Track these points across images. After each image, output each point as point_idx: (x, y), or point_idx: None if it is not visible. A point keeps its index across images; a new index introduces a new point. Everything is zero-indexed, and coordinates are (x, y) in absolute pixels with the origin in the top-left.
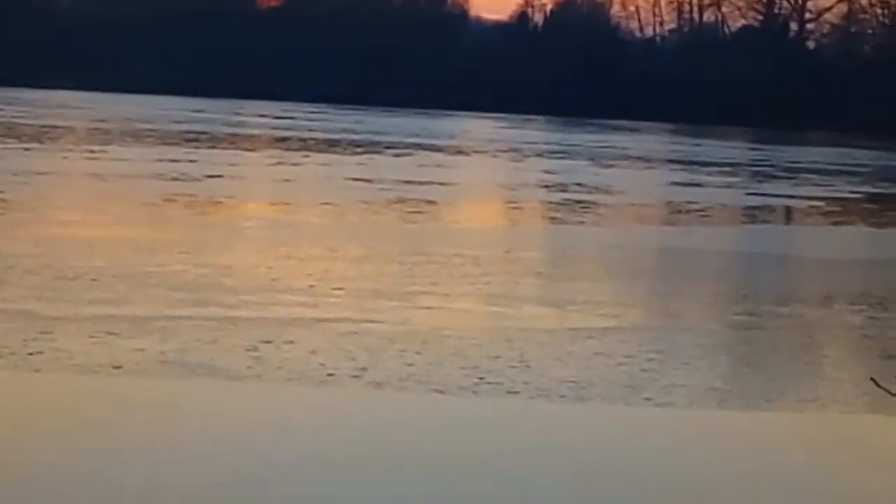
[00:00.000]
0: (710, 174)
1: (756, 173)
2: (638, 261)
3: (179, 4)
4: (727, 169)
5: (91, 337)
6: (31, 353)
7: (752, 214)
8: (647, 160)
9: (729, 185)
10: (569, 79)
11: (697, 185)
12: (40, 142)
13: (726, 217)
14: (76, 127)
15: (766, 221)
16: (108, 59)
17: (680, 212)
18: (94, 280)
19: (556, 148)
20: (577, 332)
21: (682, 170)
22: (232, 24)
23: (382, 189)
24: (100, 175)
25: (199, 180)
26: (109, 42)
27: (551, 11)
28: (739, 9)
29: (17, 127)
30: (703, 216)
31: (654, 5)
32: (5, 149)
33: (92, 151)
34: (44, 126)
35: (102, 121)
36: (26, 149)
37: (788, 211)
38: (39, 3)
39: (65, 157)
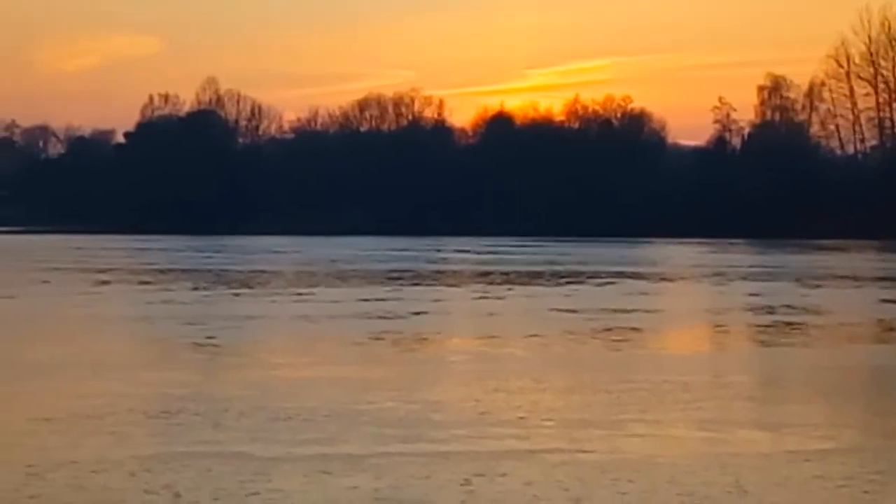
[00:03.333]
0: None
1: None
2: (852, 381)
3: (378, 146)
4: None
5: (305, 476)
6: (247, 495)
7: None
8: (855, 278)
9: None
10: (770, 200)
11: None
12: (249, 287)
13: None
14: (283, 271)
15: None
16: (311, 203)
17: (892, 329)
18: (306, 420)
19: (760, 270)
20: (794, 455)
21: (892, 287)
22: (430, 164)
23: (587, 319)
24: (308, 317)
25: (405, 318)
26: (311, 187)
27: (749, 134)
28: None
29: (227, 273)
30: None
31: (854, 123)
32: (216, 295)
33: (299, 294)
34: (252, 271)
35: (308, 263)
36: (236, 294)
37: None
38: (243, 151)
39: (273, 301)
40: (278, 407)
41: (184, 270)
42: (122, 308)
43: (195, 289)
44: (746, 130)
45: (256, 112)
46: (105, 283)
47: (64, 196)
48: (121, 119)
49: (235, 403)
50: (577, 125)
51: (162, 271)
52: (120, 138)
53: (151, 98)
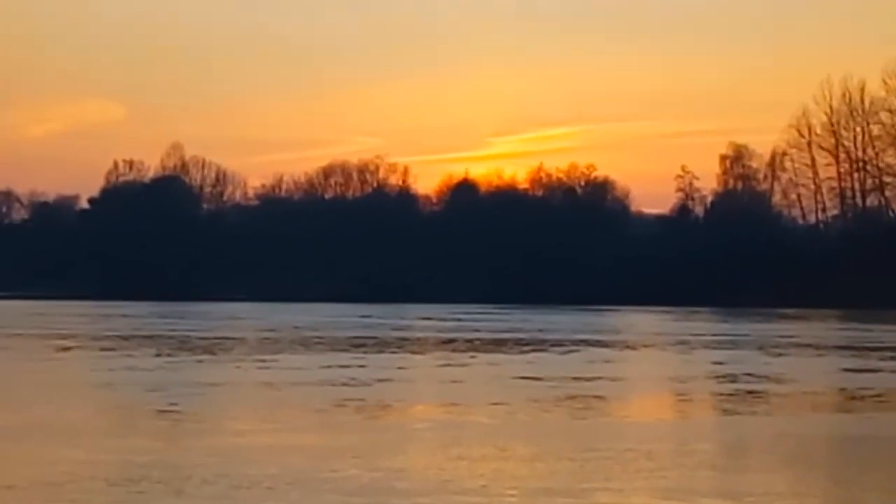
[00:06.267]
0: (882, 359)
1: None
2: (814, 449)
3: (342, 213)
4: None
5: None
6: None
7: None
8: (817, 347)
9: None
10: (732, 269)
11: (871, 370)
12: (213, 353)
13: None
14: (247, 337)
15: None
16: (275, 269)
17: (854, 398)
18: (269, 488)
19: (723, 338)
20: None
21: (854, 356)
22: (394, 231)
23: (551, 386)
24: (271, 384)
25: (369, 385)
26: (275, 253)
27: (712, 203)
28: None
29: (190, 340)
30: (879, 402)
31: (815, 192)
32: (179, 362)
33: (263, 360)
34: (215, 338)
35: (272, 330)
36: (199, 361)
37: None
38: (207, 217)
39: (237, 367)
40: (241, 474)
41: (147, 336)
42: (84, 374)
43: (158, 355)
44: (709, 199)
45: (221, 178)
46: (67, 349)
47: (27, 261)
48: (85, 185)
49: (198, 471)
50: (541, 193)
51: (125, 337)
52: (84, 204)
53: (116, 164)
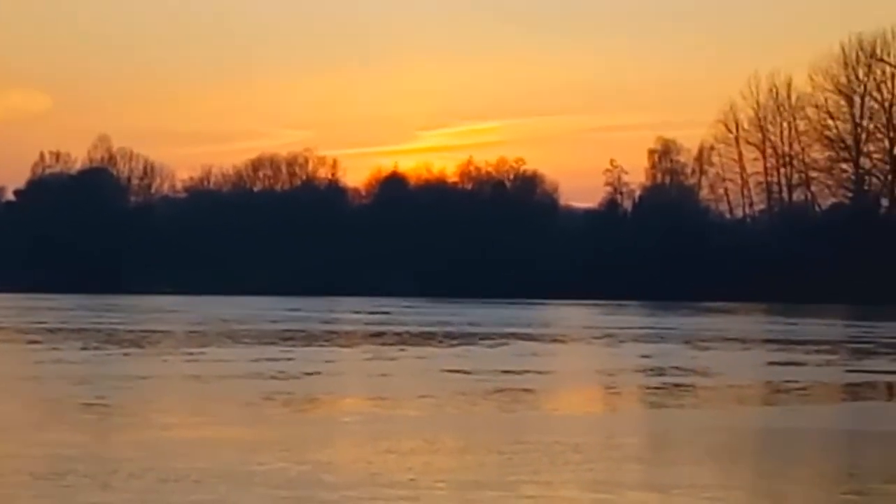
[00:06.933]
0: (807, 353)
1: (855, 350)
2: (739, 442)
3: (271, 205)
4: (825, 347)
5: None
6: None
7: (854, 392)
8: (743, 341)
9: (828, 363)
10: (660, 263)
11: (795, 363)
12: (140, 346)
13: (827, 395)
14: (174, 330)
15: (868, 398)
16: (203, 262)
17: (779, 391)
18: (196, 481)
19: (650, 332)
20: None
21: (779, 349)
22: (323, 224)
23: (479, 380)
24: (199, 377)
25: (297, 378)
26: (203, 246)
27: (640, 197)
28: (829, 187)
29: (117, 333)
30: (803, 395)
31: (742, 187)
32: (106, 355)
33: (190, 354)
34: (143, 331)
35: (200, 323)
36: (126, 354)
37: (890, 387)
38: (135, 209)
39: (164, 361)
40: (168, 468)
41: (74, 329)
42: (10, 367)
43: (85, 348)
44: (637, 193)
45: (149, 170)
46: None
47: None
48: (11, 176)
49: (125, 464)
50: (470, 186)
51: (51, 330)
52: (10, 196)
53: (42, 155)
